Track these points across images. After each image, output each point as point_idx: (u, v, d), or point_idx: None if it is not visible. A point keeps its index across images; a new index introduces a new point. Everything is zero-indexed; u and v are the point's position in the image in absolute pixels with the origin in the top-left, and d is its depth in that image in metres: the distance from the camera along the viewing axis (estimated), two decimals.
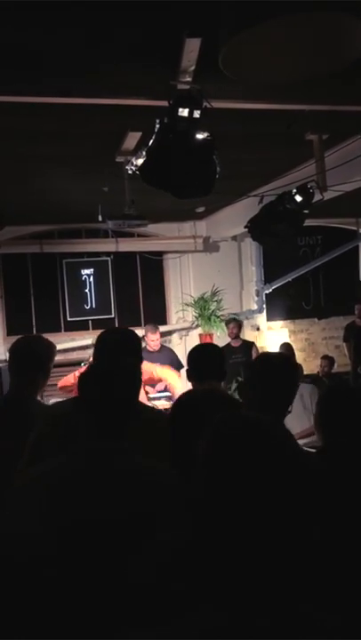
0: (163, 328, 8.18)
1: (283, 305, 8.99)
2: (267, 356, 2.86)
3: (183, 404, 1.93)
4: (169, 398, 5.95)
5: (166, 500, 1.33)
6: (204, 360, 2.68)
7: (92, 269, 8.21)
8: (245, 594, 0.88)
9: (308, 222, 7.59)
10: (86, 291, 8.19)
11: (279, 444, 0.95)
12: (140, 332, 7.57)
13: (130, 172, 3.65)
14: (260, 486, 0.89)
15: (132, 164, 3.48)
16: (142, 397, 5.01)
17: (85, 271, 8.19)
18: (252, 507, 0.89)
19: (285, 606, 0.87)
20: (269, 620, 0.86)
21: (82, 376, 1.67)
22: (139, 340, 2.23)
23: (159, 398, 6.04)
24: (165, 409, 5.43)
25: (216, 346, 3.02)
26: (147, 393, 6.31)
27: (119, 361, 1.71)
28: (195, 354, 2.81)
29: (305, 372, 8.15)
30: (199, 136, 3.12)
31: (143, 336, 6.79)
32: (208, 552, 0.92)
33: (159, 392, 6.28)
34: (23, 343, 2.53)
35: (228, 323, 7.50)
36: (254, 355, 7.27)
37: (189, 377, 2.83)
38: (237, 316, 8.16)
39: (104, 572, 1.34)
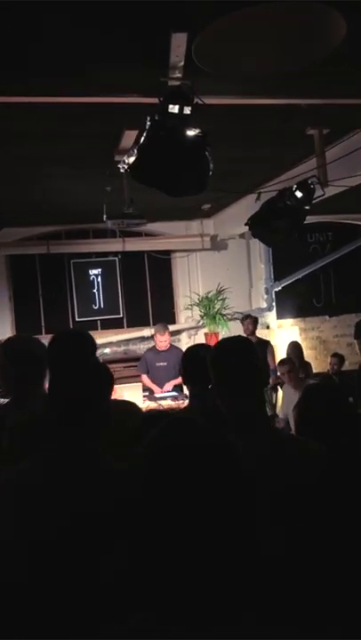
0: (171, 327, 8.14)
1: (293, 303, 8.89)
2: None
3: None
4: (175, 398, 5.94)
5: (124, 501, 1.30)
6: (195, 363, 2.62)
7: (99, 269, 8.21)
8: (184, 600, 0.86)
9: (317, 219, 7.55)
10: (94, 291, 8.19)
11: (225, 460, 0.92)
12: (149, 331, 7.61)
13: (122, 170, 3.62)
14: (197, 501, 0.86)
15: (125, 162, 3.45)
16: (140, 400, 5.00)
17: (93, 271, 8.19)
18: (188, 518, 0.86)
19: (228, 613, 0.84)
20: (210, 626, 0.83)
21: (51, 380, 1.66)
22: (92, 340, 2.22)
23: (165, 398, 6.03)
24: (171, 408, 5.41)
25: (208, 347, 2.95)
26: (152, 392, 6.32)
27: (85, 365, 1.69)
28: (187, 356, 2.77)
29: (315, 370, 8.08)
30: (190, 132, 3.08)
31: (153, 335, 6.79)
32: (147, 556, 0.91)
33: (165, 392, 6.27)
34: (21, 345, 2.42)
35: (243, 319, 7.40)
36: (269, 355, 7.16)
37: (183, 380, 2.80)
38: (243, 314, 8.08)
39: (66, 574, 1.33)
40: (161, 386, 6.38)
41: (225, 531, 0.87)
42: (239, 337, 2.02)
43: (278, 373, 5.83)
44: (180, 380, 6.55)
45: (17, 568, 1.36)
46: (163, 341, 6.44)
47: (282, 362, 5.78)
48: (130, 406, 2.42)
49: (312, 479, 1.50)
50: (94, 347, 2.25)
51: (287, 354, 7.31)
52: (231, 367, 1.66)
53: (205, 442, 0.92)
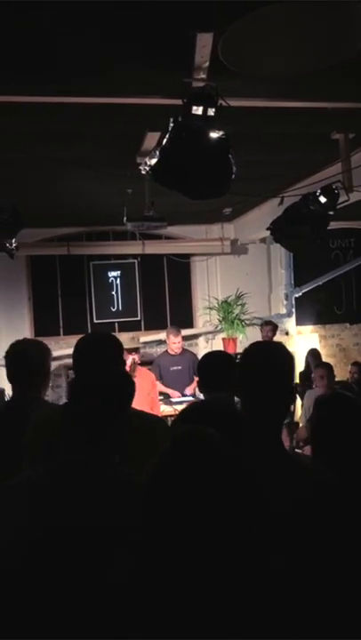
0: (189, 331, 8.11)
1: (313, 309, 8.78)
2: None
3: (182, 416, 1.84)
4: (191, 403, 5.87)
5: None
6: (211, 370, 2.57)
7: (118, 272, 8.21)
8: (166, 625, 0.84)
9: (340, 225, 7.44)
10: (113, 293, 8.19)
11: (230, 474, 0.88)
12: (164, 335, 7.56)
13: (143, 172, 3.58)
14: (200, 516, 0.83)
15: (146, 164, 3.41)
16: (155, 405, 4.97)
17: (112, 273, 8.19)
18: (188, 533, 0.83)
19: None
20: None
21: (73, 387, 1.63)
22: (119, 345, 2.16)
23: (180, 403, 5.96)
24: None
25: (226, 354, 2.90)
26: (169, 396, 6.27)
27: (108, 373, 1.65)
28: (204, 363, 2.71)
29: (335, 379, 7.94)
30: (213, 135, 3.02)
31: (165, 339, 6.73)
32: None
33: (183, 396, 6.21)
34: (17, 348, 2.51)
35: (263, 325, 7.27)
36: None
37: (199, 387, 2.76)
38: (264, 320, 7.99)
39: (68, 581, 1.29)
40: (176, 389, 6.32)
41: (221, 554, 0.84)
42: (272, 343, 1.93)
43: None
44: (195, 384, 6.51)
45: (9, 567, 1.33)
46: (176, 343, 6.36)
47: (319, 365, 5.55)
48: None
49: (320, 503, 1.41)
50: (121, 349, 2.19)
51: (306, 361, 7.21)
52: (253, 375, 1.57)
53: (212, 462, 0.89)
